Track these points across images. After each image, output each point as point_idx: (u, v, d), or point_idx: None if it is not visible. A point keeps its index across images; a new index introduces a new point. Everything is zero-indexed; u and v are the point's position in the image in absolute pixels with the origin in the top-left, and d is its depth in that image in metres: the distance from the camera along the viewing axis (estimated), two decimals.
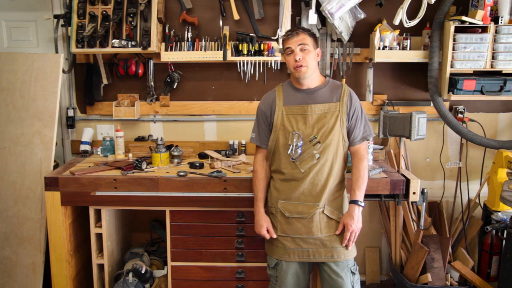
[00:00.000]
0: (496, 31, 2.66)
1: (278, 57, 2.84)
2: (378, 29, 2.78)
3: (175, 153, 2.79)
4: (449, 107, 3.00)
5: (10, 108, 2.72)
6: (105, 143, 2.93)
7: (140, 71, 2.98)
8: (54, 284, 2.60)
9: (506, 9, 2.66)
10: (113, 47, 2.75)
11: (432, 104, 2.89)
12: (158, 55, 2.89)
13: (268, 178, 2.26)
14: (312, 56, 2.09)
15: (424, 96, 3.03)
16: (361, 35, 2.91)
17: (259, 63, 2.93)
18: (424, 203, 2.57)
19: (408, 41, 2.80)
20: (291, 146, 2.11)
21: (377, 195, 2.51)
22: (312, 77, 2.13)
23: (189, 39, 2.90)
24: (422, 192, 2.50)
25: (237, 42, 2.84)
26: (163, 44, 2.86)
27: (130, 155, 2.86)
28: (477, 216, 2.99)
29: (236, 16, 2.88)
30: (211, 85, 3.05)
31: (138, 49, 2.76)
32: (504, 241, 2.68)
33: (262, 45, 2.84)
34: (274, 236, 2.17)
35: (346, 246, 2.12)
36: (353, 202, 2.12)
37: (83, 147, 2.97)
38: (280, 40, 2.71)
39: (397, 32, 2.80)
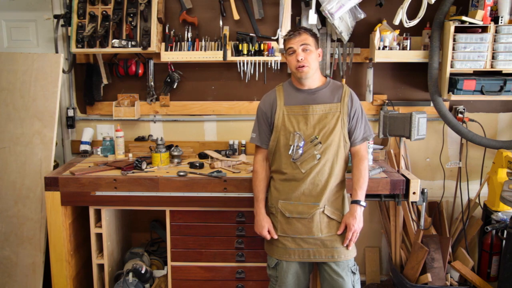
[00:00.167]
0: (496, 31, 2.66)
1: (278, 57, 2.84)
2: (378, 29, 2.78)
3: (175, 153, 2.79)
4: (449, 107, 3.00)
5: (10, 108, 2.72)
6: (105, 143, 2.93)
7: (140, 71, 2.98)
8: (54, 284, 2.60)
9: (506, 9, 2.66)
10: (113, 47, 2.75)
11: (432, 104, 2.89)
12: (158, 55, 2.89)
13: (268, 178, 2.26)
14: (314, 56, 2.09)
15: (424, 96, 3.03)
16: (361, 35, 2.91)
17: (259, 63, 2.93)
18: (424, 203, 2.57)
19: (408, 41, 2.80)
20: (292, 146, 2.11)
21: (377, 195, 2.51)
22: (313, 77, 2.13)
23: (189, 39, 2.90)
24: (422, 192, 2.50)
25: (237, 42, 2.84)
26: (163, 44, 2.86)
27: (130, 155, 2.86)
28: (477, 216, 2.99)
29: (236, 16, 2.88)
30: (211, 85, 3.05)
31: (138, 49, 2.76)
32: (504, 241, 2.68)
33: (262, 45, 2.84)
34: (275, 236, 2.17)
35: (347, 246, 2.12)
36: (355, 202, 2.12)
37: (83, 147, 2.97)
38: (281, 40, 2.72)
39: (397, 32, 2.80)
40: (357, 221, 2.10)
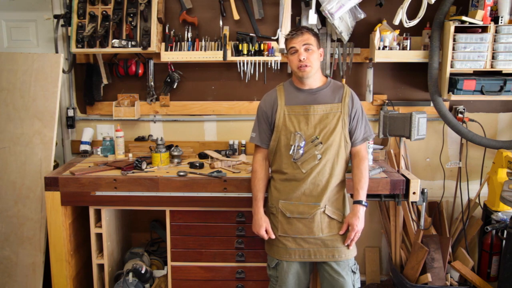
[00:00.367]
0: (496, 31, 2.66)
1: (278, 57, 2.84)
2: (378, 29, 2.78)
3: (175, 153, 2.79)
4: (449, 107, 3.00)
5: (10, 108, 2.72)
6: (105, 143, 2.93)
7: (140, 71, 2.98)
8: (54, 284, 2.60)
9: (506, 9, 2.66)
10: (113, 47, 2.75)
11: (432, 104, 2.89)
12: (158, 55, 2.89)
13: (267, 178, 2.26)
14: (316, 56, 2.09)
15: (424, 96, 3.03)
16: (361, 35, 2.91)
17: (259, 63, 2.93)
18: (424, 203, 2.57)
19: (408, 41, 2.80)
20: (293, 146, 2.11)
21: (377, 195, 2.51)
22: (314, 77, 2.14)
23: (189, 39, 2.90)
24: (422, 192, 2.50)
25: (237, 42, 2.84)
26: (163, 44, 2.86)
27: (130, 155, 2.86)
28: (477, 216, 2.99)
29: (236, 16, 2.88)
30: (211, 85, 3.05)
31: (138, 49, 2.76)
32: (504, 241, 2.68)
33: (262, 45, 2.84)
34: (273, 236, 2.17)
35: (348, 246, 2.12)
36: (357, 202, 2.13)
37: (83, 147, 2.97)
38: (282, 40, 2.72)
39: (397, 32, 2.80)
40: (360, 221, 2.10)
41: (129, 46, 2.75)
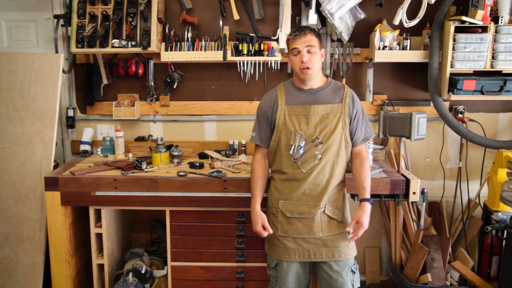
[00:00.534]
0: (496, 31, 2.66)
1: (278, 57, 2.84)
2: (378, 29, 2.78)
3: (175, 153, 2.79)
4: (449, 107, 3.00)
5: (10, 108, 2.72)
6: (105, 143, 2.93)
7: (140, 71, 2.98)
8: (54, 284, 2.60)
9: (506, 9, 2.66)
10: (113, 47, 2.75)
11: (432, 104, 2.89)
12: (158, 55, 2.89)
13: (266, 176, 2.26)
14: (318, 57, 2.08)
15: (424, 96, 3.03)
16: (361, 35, 2.91)
17: (259, 63, 2.93)
18: (424, 203, 2.57)
19: (408, 41, 2.80)
20: (293, 146, 2.11)
21: (377, 195, 2.51)
22: (316, 78, 2.13)
23: (189, 39, 2.90)
24: (422, 192, 2.50)
25: (237, 42, 2.84)
26: (163, 44, 2.86)
27: (130, 155, 2.86)
28: (477, 216, 2.99)
29: (236, 16, 2.88)
30: (211, 85, 3.05)
31: (138, 49, 2.76)
32: (504, 241, 2.68)
33: (262, 45, 2.84)
34: (271, 231, 2.15)
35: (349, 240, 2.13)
36: (365, 200, 2.12)
37: (83, 147, 2.97)
38: (282, 40, 2.73)
39: (397, 32, 2.80)
40: (368, 219, 2.11)
41: (129, 46, 2.75)
